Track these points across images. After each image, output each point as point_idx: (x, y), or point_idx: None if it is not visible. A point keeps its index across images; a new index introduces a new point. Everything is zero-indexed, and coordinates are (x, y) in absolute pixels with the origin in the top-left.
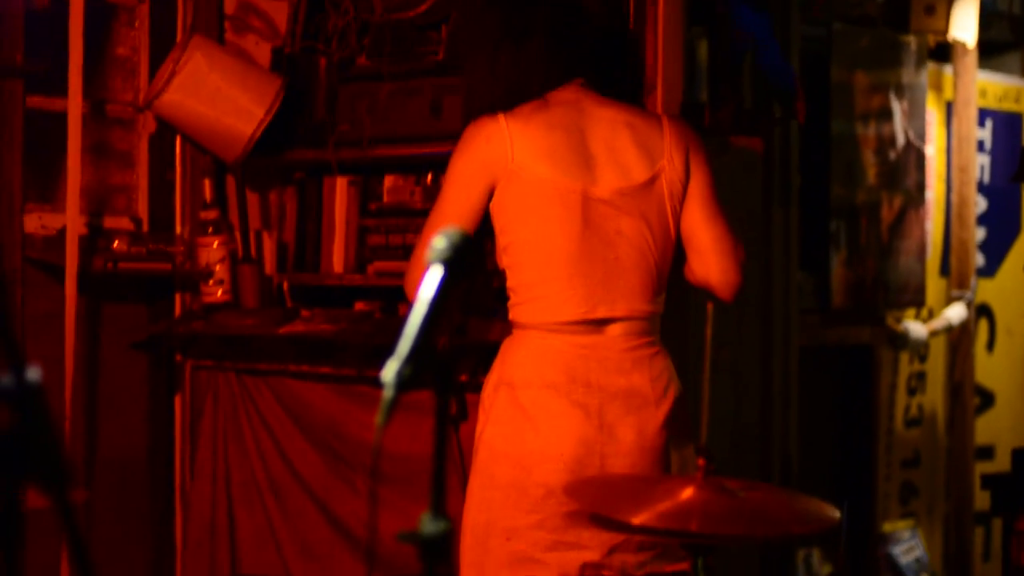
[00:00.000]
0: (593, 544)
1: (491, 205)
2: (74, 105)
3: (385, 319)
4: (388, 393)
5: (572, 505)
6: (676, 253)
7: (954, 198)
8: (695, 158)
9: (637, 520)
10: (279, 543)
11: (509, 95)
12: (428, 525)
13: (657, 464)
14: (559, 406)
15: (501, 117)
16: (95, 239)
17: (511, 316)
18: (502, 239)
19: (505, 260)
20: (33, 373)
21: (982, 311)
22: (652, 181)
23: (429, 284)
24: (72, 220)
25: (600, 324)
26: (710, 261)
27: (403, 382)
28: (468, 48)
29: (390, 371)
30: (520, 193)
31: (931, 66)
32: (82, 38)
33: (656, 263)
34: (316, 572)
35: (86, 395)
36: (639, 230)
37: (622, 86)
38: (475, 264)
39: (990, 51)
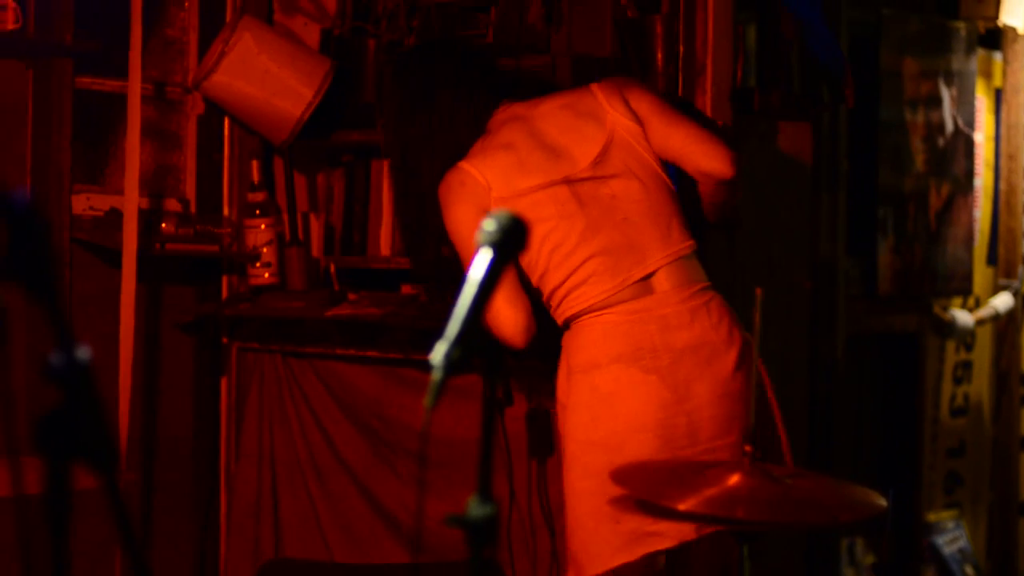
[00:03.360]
0: None
1: None
2: (133, 86)
3: (431, 302)
4: (437, 375)
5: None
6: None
7: (1002, 186)
8: (632, 95)
9: (683, 506)
10: (322, 525)
11: (454, 148)
12: (475, 509)
13: (739, 406)
14: (632, 377)
15: (462, 164)
16: (143, 220)
17: (559, 320)
18: (522, 260)
19: (533, 278)
20: (83, 353)
21: None
22: (611, 137)
23: (479, 267)
24: (130, 200)
25: (645, 284)
26: (694, 152)
27: (452, 364)
28: (397, 134)
29: (439, 353)
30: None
31: (981, 52)
32: (141, 19)
33: (664, 206)
34: (358, 555)
35: (134, 376)
36: (629, 185)
37: (544, 87)
38: (524, 245)
39: None
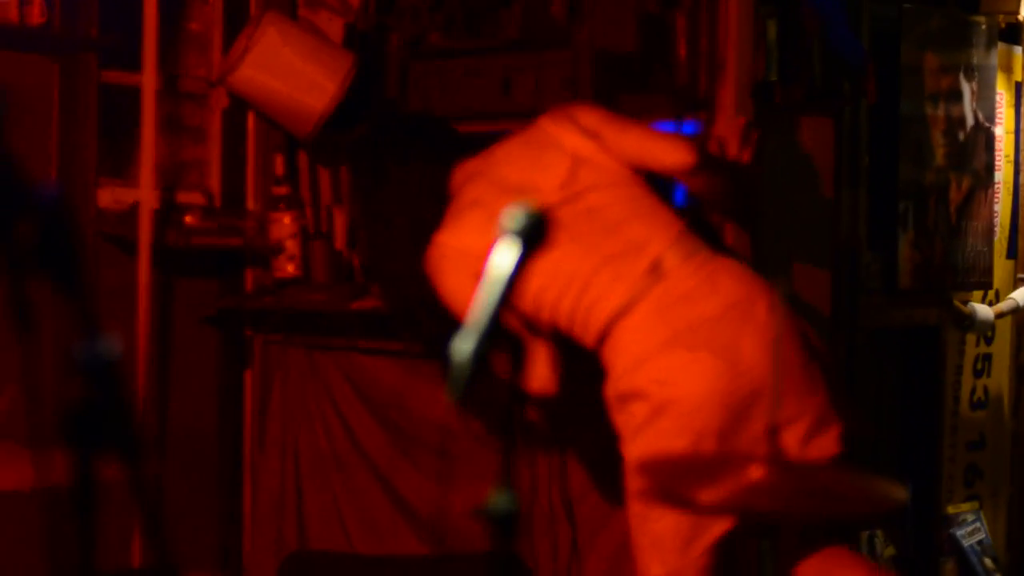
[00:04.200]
0: None
1: None
2: (148, 79)
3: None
4: (458, 368)
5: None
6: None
7: (1022, 180)
8: (580, 115)
9: (705, 498)
10: (343, 518)
11: (418, 222)
12: (497, 501)
13: (794, 348)
14: (682, 357)
15: (435, 238)
16: (167, 213)
17: (589, 343)
18: (527, 305)
19: (544, 317)
20: (108, 345)
21: None
22: (573, 159)
23: (500, 257)
24: (146, 194)
25: (653, 272)
26: (652, 151)
27: (473, 356)
28: (363, 213)
29: (460, 345)
30: None
31: (1001, 47)
32: (156, 12)
33: (643, 200)
34: (378, 546)
35: (158, 369)
36: (602, 194)
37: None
38: (544, 238)
39: None
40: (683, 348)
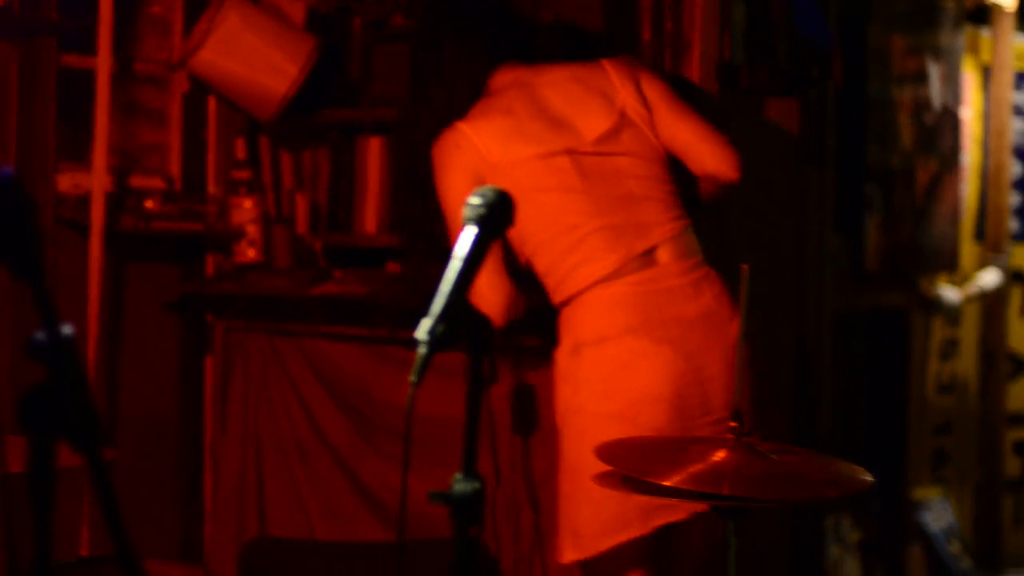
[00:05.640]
0: None
1: None
2: (103, 62)
3: (418, 280)
4: (421, 352)
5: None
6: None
7: (990, 162)
8: (645, 81)
9: (669, 482)
10: (305, 505)
11: (450, 106)
12: (460, 485)
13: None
14: (645, 348)
15: (460, 124)
16: (126, 198)
17: (556, 298)
18: (514, 232)
19: (524, 251)
20: (66, 330)
21: (1016, 277)
22: (621, 117)
23: (464, 243)
24: (98, 178)
25: (647, 258)
26: (699, 151)
27: (437, 340)
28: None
29: (423, 330)
30: (510, 181)
31: (968, 29)
32: None
33: (665, 184)
34: (339, 533)
35: (109, 354)
36: (633, 163)
37: (552, 50)
38: (510, 221)
39: None
40: (649, 338)
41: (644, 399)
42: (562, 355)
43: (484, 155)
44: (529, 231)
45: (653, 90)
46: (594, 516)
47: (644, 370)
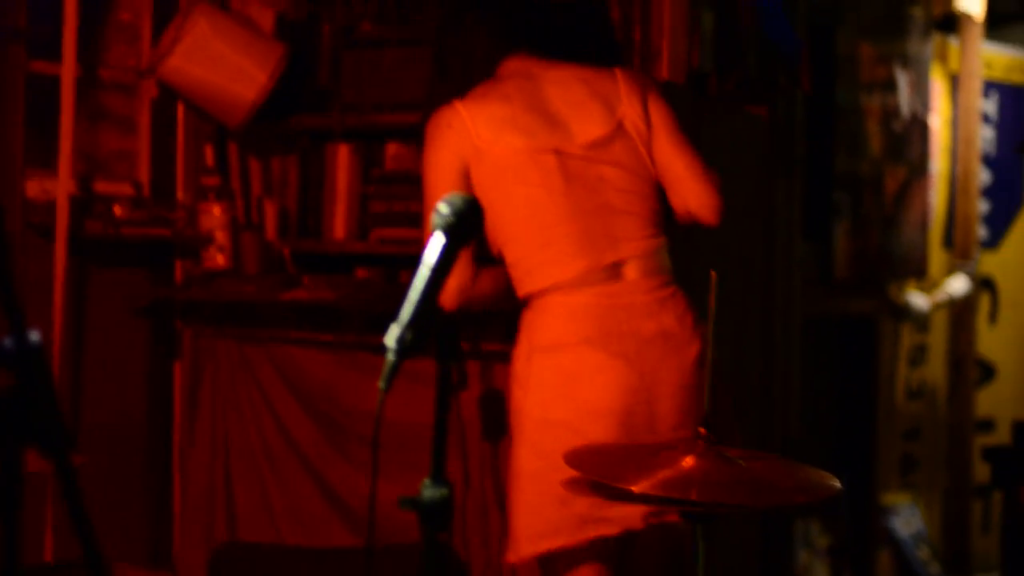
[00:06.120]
0: None
1: (471, 187)
2: (68, 68)
3: (387, 286)
4: (390, 358)
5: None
6: (662, 193)
7: (958, 170)
8: (652, 100)
9: (638, 488)
10: (273, 510)
11: (461, 78)
12: (428, 491)
13: (697, 400)
14: (599, 360)
15: (456, 103)
16: (94, 204)
17: (520, 292)
18: (489, 217)
19: (497, 237)
20: (34, 336)
21: (985, 284)
22: (618, 127)
23: (432, 250)
24: (63, 183)
25: (614, 270)
26: (686, 188)
27: (405, 347)
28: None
29: (392, 336)
30: (493, 168)
31: (937, 37)
32: (76, 1)
33: (645, 201)
34: (308, 539)
35: (75, 359)
36: (619, 175)
37: (568, 48)
38: (479, 228)
39: (997, 22)
40: (605, 351)
41: (592, 411)
42: (518, 357)
43: (473, 138)
44: (504, 220)
45: (659, 111)
46: (530, 520)
47: (595, 382)
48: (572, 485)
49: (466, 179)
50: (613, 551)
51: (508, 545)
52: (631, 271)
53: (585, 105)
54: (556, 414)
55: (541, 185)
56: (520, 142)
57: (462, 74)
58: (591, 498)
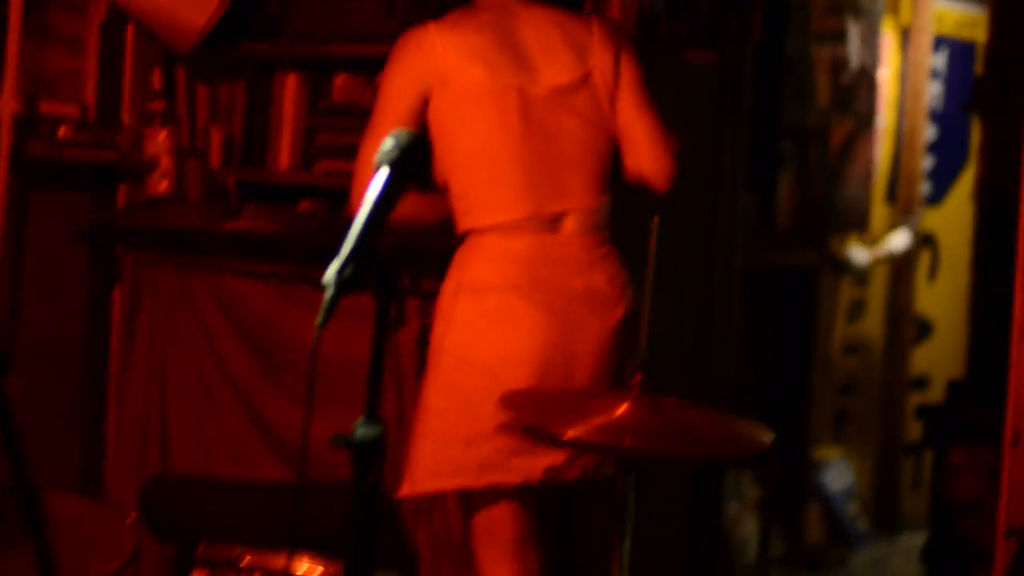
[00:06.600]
0: (556, 449)
1: (428, 113)
2: None
3: (329, 219)
4: (329, 293)
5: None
6: (616, 152)
7: (904, 125)
8: (625, 55)
9: (571, 434)
10: (207, 441)
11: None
12: (362, 429)
13: (613, 365)
14: (524, 308)
15: (430, 24)
16: (38, 124)
17: (460, 227)
18: (441, 145)
19: (447, 167)
20: None
21: (926, 240)
22: (586, 77)
23: (375, 185)
24: (7, 102)
25: (554, 221)
26: (643, 151)
27: (344, 283)
28: None
29: (332, 271)
30: (455, 97)
31: None
32: None
33: (599, 158)
34: (242, 472)
35: (13, 281)
36: (579, 126)
37: None
38: (422, 164)
39: None
40: (530, 300)
41: (509, 357)
42: (444, 293)
43: (439, 63)
44: (456, 151)
45: (629, 68)
46: (432, 457)
47: (518, 330)
48: (477, 428)
49: (423, 102)
50: (532, 497)
51: (404, 478)
52: (570, 224)
53: (556, 49)
54: (475, 355)
55: (498, 122)
56: (485, 75)
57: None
58: (497, 444)
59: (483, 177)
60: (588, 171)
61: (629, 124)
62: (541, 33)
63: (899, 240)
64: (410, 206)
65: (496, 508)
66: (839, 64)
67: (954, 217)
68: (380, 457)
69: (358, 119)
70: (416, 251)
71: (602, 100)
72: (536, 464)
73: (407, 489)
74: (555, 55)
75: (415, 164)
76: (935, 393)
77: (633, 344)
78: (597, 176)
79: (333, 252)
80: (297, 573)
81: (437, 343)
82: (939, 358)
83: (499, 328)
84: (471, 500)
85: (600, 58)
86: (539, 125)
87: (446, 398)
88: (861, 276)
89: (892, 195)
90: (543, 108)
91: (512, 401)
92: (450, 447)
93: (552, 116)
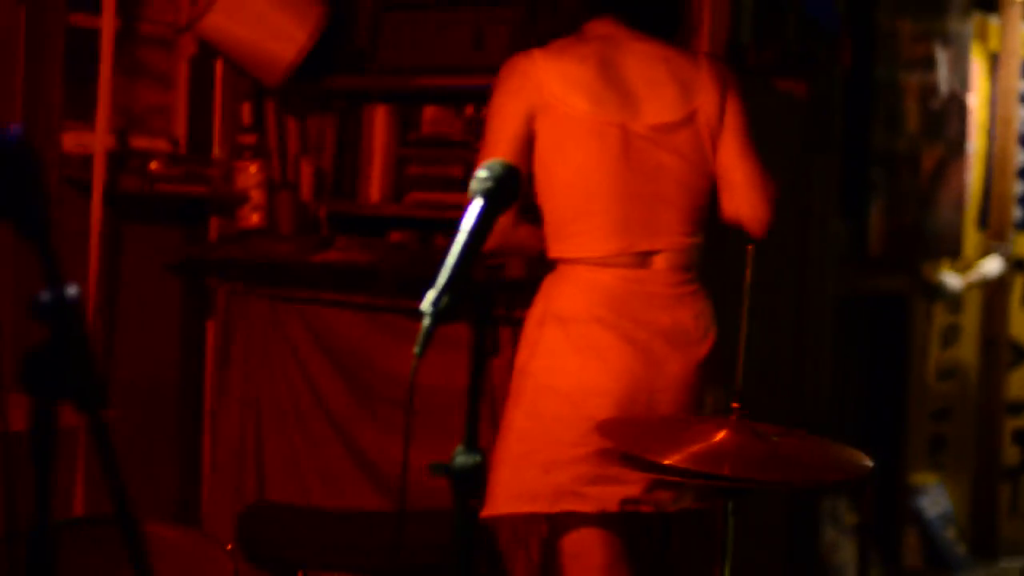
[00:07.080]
0: (633, 479)
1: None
2: (107, 22)
3: (421, 250)
4: (426, 322)
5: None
6: (713, 191)
7: (995, 150)
8: (731, 96)
9: (669, 461)
10: (303, 470)
11: (547, 29)
12: (461, 457)
13: (695, 401)
14: (609, 340)
15: (535, 52)
16: (130, 159)
17: (550, 253)
18: (539, 171)
19: (542, 193)
20: (71, 291)
21: (1018, 266)
22: (691, 117)
23: (470, 216)
24: (101, 137)
25: (644, 257)
26: (741, 197)
27: (441, 312)
28: None
29: (428, 301)
30: (556, 125)
31: (977, 15)
32: None
33: (696, 198)
34: (338, 501)
35: (108, 315)
36: (678, 165)
37: (657, 22)
38: (517, 195)
39: None
40: (616, 333)
41: (593, 389)
42: (531, 320)
43: (543, 91)
44: (553, 179)
45: (734, 110)
46: (510, 480)
47: (600, 361)
48: (556, 455)
49: (529, 127)
50: (621, 523)
51: (486, 500)
52: (660, 261)
53: (662, 86)
54: (558, 382)
55: (597, 155)
56: (587, 107)
57: (549, 26)
58: (574, 472)
59: (578, 208)
60: (683, 210)
61: (730, 168)
62: (647, 68)
63: (992, 265)
64: (524, 237)
65: (583, 533)
66: (928, 90)
67: None
68: (480, 485)
69: (447, 150)
70: (509, 280)
71: (704, 141)
72: (612, 494)
73: (488, 511)
74: (660, 92)
75: (510, 193)
76: None
77: (714, 380)
78: (692, 216)
79: (424, 282)
80: None
81: (522, 367)
82: None
83: (583, 358)
84: (558, 525)
85: (706, 98)
86: (638, 162)
87: (529, 420)
88: (954, 302)
89: (984, 221)
90: (643, 145)
91: (604, 429)
92: (528, 471)
93: (652, 154)
